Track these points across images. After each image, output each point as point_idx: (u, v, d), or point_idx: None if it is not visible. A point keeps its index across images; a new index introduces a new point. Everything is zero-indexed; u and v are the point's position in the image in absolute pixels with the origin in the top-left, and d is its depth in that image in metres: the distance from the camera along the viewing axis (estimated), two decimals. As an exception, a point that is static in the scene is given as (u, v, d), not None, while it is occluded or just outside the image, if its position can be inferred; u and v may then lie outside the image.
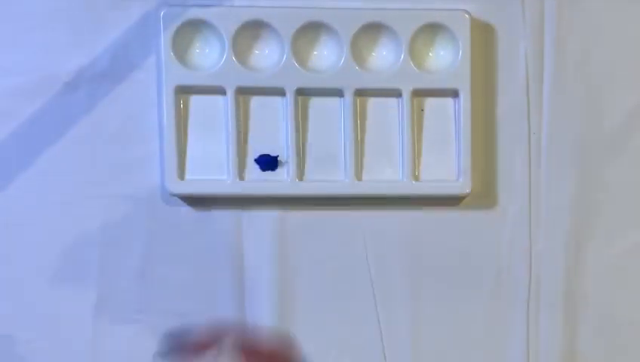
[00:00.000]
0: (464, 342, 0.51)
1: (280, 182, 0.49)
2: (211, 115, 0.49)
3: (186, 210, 0.50)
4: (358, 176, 0.49)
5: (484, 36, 0.50)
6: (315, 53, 0.49)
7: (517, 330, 0.52)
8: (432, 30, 0.49)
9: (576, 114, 0.51)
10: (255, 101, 0.49)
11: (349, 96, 0.49)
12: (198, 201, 0.50)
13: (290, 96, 0.49)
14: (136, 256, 0.50)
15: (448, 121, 0.50)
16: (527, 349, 0.51)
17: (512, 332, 0.52)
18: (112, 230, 0.50)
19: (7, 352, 0.50)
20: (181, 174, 0.49)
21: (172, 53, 0.48)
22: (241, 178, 0.49)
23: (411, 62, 0.49)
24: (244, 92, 0.49)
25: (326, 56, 0.49)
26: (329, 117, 0.50)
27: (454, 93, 0.49)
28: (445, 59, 0.49)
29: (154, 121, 0.49)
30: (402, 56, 0.49)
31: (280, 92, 0.49)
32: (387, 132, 0.50)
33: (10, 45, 0.49)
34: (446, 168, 0.50)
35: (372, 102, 0.50)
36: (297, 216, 0.50)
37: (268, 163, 0.49)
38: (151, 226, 0.50)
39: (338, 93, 0.49)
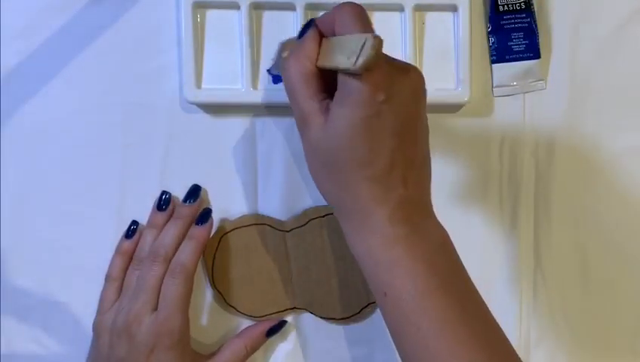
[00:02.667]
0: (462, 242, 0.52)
1: (290, 90, 0.52)
2: (226, 29, 0.51)
3: (202, 116, 0.52)
4: (364, 85, 0.52)
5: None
6: (322, -29, 0.51)
7: (514, 229, 0.53)
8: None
9: (565, 29, 0.53)
10: (267, 15, 0.51)
11: (354, 11, 0.51)
12: (214, 109, 0.52)
13: (300, 10, 0.50)
14: (156, 160, 0.52)
15: (448, 35, 0.52)
16: (524, 248, 0.53)
17: (510, 232, 0.53)
18: (134, 135, 0.51)
19: (37, 250, 0.51)
20: (198, 83, 0.51)
21: (190, -30, 0.49)
22: (255, 87, 0.51)
23: (413, -22, 0.50)
24: (257, 7, 0.51)
25: (333, -27, 0.51)
26: (336, 30, 0.52)
27: (454, 8, 0.52)
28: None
29: (173, 34, 0.51)
30: (404, -28, 0.50)
31: (291, 7, 0.51)
32: (390, 44, 0.50)
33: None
34: (446, 78, 0.52)
35: (377, 16, 0.52)
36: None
37: (279, 74, 0.51)
38: (170, 132, 0.52)
39: (345, 7, 0.52)
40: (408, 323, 0.38)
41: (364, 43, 0.35)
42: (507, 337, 0.40)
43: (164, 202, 0.51)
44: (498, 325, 0.40)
